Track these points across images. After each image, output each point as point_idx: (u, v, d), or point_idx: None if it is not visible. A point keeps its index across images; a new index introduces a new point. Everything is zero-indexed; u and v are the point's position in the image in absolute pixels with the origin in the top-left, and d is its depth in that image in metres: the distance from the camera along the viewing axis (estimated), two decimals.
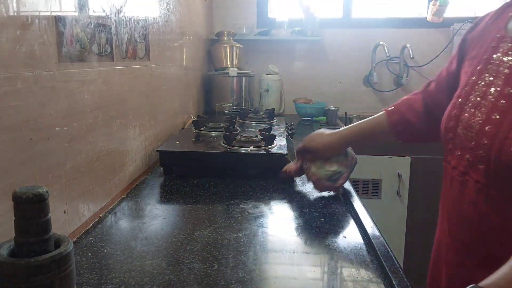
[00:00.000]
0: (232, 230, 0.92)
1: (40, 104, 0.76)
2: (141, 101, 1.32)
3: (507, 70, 0.71)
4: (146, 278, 0.72)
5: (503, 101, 0.69)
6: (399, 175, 2.17)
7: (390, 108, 0.98)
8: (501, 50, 0.75)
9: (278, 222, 1.00)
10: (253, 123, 1.96)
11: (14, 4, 0.68)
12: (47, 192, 0.50)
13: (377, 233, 0.89)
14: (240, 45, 2.64)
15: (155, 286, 0.70)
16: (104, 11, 1.03)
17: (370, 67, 2.72)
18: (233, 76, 2.48)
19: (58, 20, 0.81)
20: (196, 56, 2.27)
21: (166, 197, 1.16)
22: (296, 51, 2.84)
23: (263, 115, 2.09)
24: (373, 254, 0.81)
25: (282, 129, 1.74)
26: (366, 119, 1.08)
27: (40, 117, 0.76)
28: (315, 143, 1.10)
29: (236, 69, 2.52)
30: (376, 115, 1.05)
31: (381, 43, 2.57)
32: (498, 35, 0.76)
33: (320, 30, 2.73)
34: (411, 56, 2.52)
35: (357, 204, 1.07)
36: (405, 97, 1.03)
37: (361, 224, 0.95)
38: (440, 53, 2.65)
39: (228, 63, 2.59)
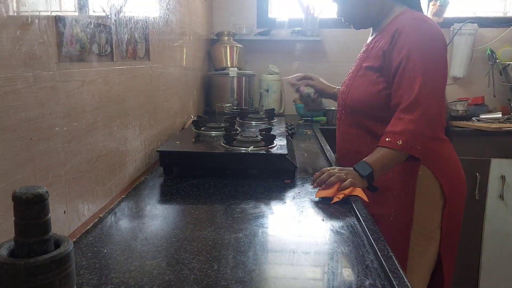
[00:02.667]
0: (232, 230, 0.92)
1: (40, 104, 0.76)
2: (141, 101, 1.32)
3: (355, 64, 1.41)
4: (146, 278, 0.72)
5: (350, 74, 1.40)
6: None
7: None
8: (363, 49, 1.39)
9: (278, 222, 1.00)
10: (253, 123, 1.96)
11: (14, 4, 0.68)
12: (47, 192, 0.50)
13: (378, 233, 0.89)
14: (240, 45, 2.64)
15: (155, 286, 0.69)
16: (104, 11, 1.03)
17: None
18: (233, 76, 2.48)
19: (58, 20, 0.81)
20: (196, 56, 2.27)
21: (166, 197, 1.16)
22: (296, 51, 2.84)
23: (263, 115, 2.09)
24: (373, 254, 0.81)
25: (282, 129, 1.74)
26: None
27: (40, 117, 0.76)
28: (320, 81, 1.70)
29: (236, 69, 2.52)
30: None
31: None
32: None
33: (320, 30, 2.73)
34: None
35: (358, 204, 1.07)
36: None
37: (361, 224, 0.95)
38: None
39: (228, 63, 2.59)
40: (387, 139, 1.17)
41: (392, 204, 1.28)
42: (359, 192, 1.11)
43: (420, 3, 1.35)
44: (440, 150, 1.30)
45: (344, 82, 1.44)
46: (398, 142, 1.15)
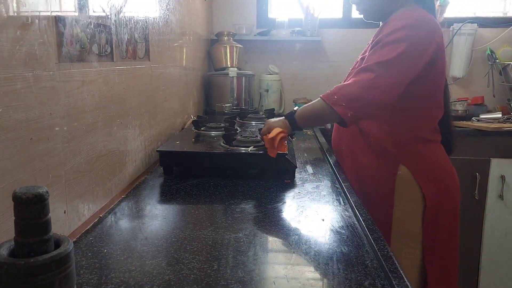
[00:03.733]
0: (232, 230, 0.92)
1: (40, 104, 0.76)
2: (141, 101, 1.32)
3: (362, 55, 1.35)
4: (146, 278, 0.72)
5: (351, 70, 1.37)
6: None
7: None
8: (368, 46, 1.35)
9: (278, 222, 1.00)
10: (253, 123, 1.96)
11: (14, 4, 0.68)
12: (47, 192, 0.50)
13: (378, 233, 0.89)
14: (240, 45, 2.64)
15: (155, 286, 0.70)
16: (104, 11, 1.03)
17: None
18: (233, 76, 2.48)
19: (58, 20, 0.81)
20: (196, 56, 2.27)
21: (166, 197, 1.16)
22: (296, 51, 2.84)
23: (263, 115, 2.09)
24: (373, 254, 0.81)
25: None
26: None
27: (40, 117, 0.76)
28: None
29: (236, 69, 2.52)
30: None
31: None
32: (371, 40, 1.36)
33: (320, 30, 2.73)
34: None
35: (358, 204, 1.07)
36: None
37: (361, 224, 0.95)
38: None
39: (228, 63, 2.59)
40: (328, 90, 1.20)
41: (370, 204, 1.21)
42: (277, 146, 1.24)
43: (434, 4, 1.32)
44: (423, 151, 1.26)
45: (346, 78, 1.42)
46: (334, 97, 1.17)
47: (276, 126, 1.26)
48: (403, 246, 1.23)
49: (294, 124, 1.26)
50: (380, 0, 1.29)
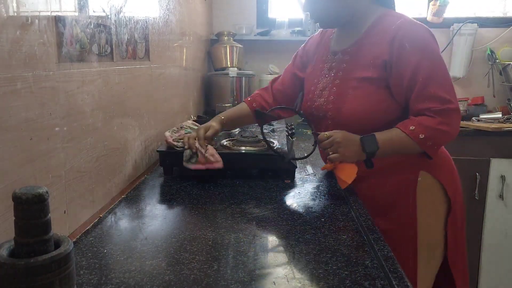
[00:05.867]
0: (232, 230, 0.92)
1: (40, 104, 0.76)
2: (141, 101, 1.32)
3: (333, 74, 1.25)
4: (146, 278, 0.72)
5: (329, 84, 1.24)
6: None
7: (248, 98, 1.47)
8: (328, 62, 1.28)
9: (278, 222, 1.00)
10: None
11: (14, 4, 0.68)
12: (47, 192, 0.50)
13: (378, 234, 0.89)
14: (240, 45, 2.64)
15: (155, 286, 0.69)
16: (104, 11, 1.03)
17: None
18: (233, 76, 2.48)
19: (58, 20, 0.81)
20: (196, 56, 2.27)
21: (166, 197, 1.16)
22: (296, 51, 2.84)
23: None
24: (373, 254, 0.81)
25: (282, 129, 1.74)
26: (231, 109, 1.43)
27: (40, 117, 0.76)
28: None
29: (236, 69, 2.52)
30: (238, 105, 1.43)
31: None
32: (326, 53, 1.30)
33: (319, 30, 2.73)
34: None
35: (358, 204, 1.07)
36: (257, 91, 1.51)
37: (361, 224, 0.95)
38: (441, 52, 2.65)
39: (228, 63, 2.59)
40: (411, 127, 1.10)
41: (395, 218, 1.20)
42: (344, 172, 1.12)
43: (394, 2, 1.26)
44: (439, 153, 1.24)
45: (314, 91, 1.28)
46: (420, 136, 1.09)
47: (349, 156, 1.12)
48: (424, 253, 1.20)
49: (372, 155, 1.12)
50: (333, 7, 1.19)
